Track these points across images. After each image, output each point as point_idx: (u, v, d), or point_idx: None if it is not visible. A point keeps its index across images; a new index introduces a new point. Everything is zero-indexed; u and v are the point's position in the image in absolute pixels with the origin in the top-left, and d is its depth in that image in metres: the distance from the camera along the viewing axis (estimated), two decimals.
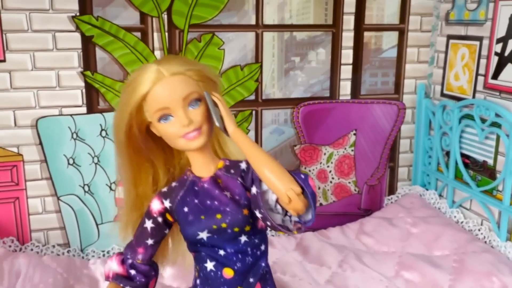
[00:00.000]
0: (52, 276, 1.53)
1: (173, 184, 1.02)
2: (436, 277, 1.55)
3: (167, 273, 1.51)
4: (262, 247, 1.01)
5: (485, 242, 1.72)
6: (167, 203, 1.00)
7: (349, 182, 2.06)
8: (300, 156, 1.98)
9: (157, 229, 1.01)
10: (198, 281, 1.02)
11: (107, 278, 1.04)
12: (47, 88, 1.66)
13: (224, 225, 0.95)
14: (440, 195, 1.99)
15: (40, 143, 1.69)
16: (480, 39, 1.73)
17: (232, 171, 0.99)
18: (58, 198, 1.74)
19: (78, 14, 1.63)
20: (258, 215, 0.91)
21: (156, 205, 1.00)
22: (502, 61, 1.63)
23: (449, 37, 1.89)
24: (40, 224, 1.75)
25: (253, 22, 1.80)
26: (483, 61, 1.73)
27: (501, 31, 1.63)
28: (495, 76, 1.67)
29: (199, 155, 0.98)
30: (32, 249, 1.73)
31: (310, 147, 1.98)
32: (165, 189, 1.02)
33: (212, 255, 0.98)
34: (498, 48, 1.65)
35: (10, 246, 1.70)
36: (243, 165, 0.99)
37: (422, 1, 1.94)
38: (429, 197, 2.00)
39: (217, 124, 0.93)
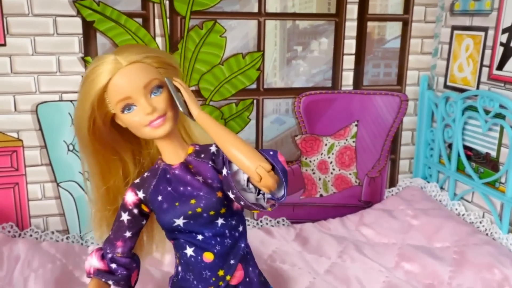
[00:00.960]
0: (51, 261, 1.53)
1: (145, 174, 1.02)
2: (436, 268, 1.54)
3: (167, 260, 1.51)
4: (240, 228, 1.01)
5: (487, 234, 1.71)
6: (140, 194, 1.00)
7: (350, 174, 2.05)
8: (301, 146, 1.97)
9: (133, 221, 1.01)
10: (179, 268, 1.03)
11: (88, 274, 1.04)
12: (47, 73, 1.65)
13: (199, 209, 0.95)
14: (442, 188, 1.97)
15: (40, 129, 1.68)
16: (485, 29, 1.72)
17: (202, 155, 0.99)
18: (58, 184, 1.74)
19: None
20: (231, 196, 0.92)
21: (130, 197, 1.00)
22: (508, 52, 1.62)
23: (454, 28, 1.87)
24: (39, 210, 1.74)
25: (255, 10, 1.79)
26: (488, 52, 1.71)
27: (507, 21, 1.61)
28: (500, 67, 1.65)
29: (167, 142, 0.98)
30: (31, 235, 1.72)
31: (311, 137, 1.97)
32: (137, 180, 1.01)
33: (191, 240, 0.98)
34: (503, 38, 1.63)
35: (9, 232, 1.70)
36: (213, 148, 0.99)
37: None
38: (430, 189, 1.99)
39: (180, 109, 0.92)
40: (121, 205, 1.02)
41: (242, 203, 0.91)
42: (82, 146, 1.00)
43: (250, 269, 1.04)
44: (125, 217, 1.01)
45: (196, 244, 0.98)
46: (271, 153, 0.90)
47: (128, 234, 1.02)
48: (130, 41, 1.68)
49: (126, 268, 1.04)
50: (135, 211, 1.00)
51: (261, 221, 1.94)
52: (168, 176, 0.98)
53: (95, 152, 1.00)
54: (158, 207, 0.97)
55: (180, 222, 0.96)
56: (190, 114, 0.92)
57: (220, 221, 0.98)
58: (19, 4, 1.57)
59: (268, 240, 1.74)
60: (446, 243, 1.68)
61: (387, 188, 2.10)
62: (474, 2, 1.76)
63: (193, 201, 0.95)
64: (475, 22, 1.77)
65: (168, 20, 1.70)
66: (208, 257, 0.98)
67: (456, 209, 1.86)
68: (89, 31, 1.65)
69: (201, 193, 0.95)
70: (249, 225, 1.92)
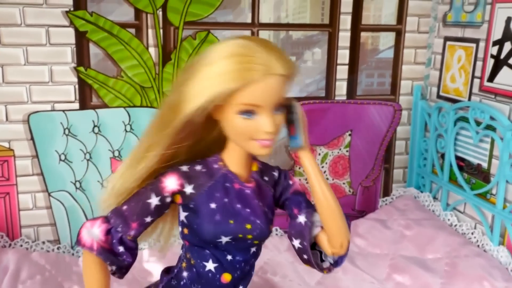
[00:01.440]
0: (40, 272, 1.52)
1: (197, 167, 0.89)
2: (427, 280, 1.54)
3: (158, 271, 1.50)
4: (258, 257, 0.97)
5: (478, 246, 1.71)
6: (188, 188, 0.87)
7: (344, 183, 2.05)
8: (295, 156, 1.97)
9: (161, 208, 0.88)
10: (185, 274, 0.93)
11: (90, 248, 0.86)
12: (39, 83, 1.65)
13: (249, 236, 0.88)
14: (435, 198, 1.98)
15: (32, 139, 1.68)
16: (476, 41, 1.72)
17: (266, 178, 0.92)
18: (49, 194, 1.73)
19: (72, 9, 1.62)
20: (297, 244, 0.87)
21: (171, 184, 0.87)
22: (498, 64, 1.62)
23: (446, 38, 1.88)
24: (30, 220, 1.74)
25: (249, 20, 1.79)
26: (479, 64, 1.71)
27: (497, 34, 1.62)
28: (491, 79, 1.66)
29: (243, 152, 0.88)
30: (21, 245, 1.72)
31: None
32: (185, 169, 0.88)
33: (219, 257, 0.90)
34: (494, 50, 1.64)
35: None
36: (276, 174, 0.93)
37: (419, 2, 1.92)
38: (424, 199, 1.99)
39: (300, 141, 0.86)
40: (154, 186, 0.87)
41: (305, 256, 0.87)
42: (165, 124, 0.85)
43: None
44: (154, 200, 0.87)
45: (222, 263, 0.90)
46: (349, 222, 0.87)
47: (148, 219, 0.88)
48: (123, 51, 1.68)
49: (131, 254, 0.90)
50: (168, 199, 0.88)
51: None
52: (227, 184, 0.89)
53: (176, 135, 0.86)
54: (207, 215, 0.87)
55: (224, 240, 0.88)
56: (297, 149, 0.86)
57: (254, 249, 0.92)
58: (12, 14, 1.57)
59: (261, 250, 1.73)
60: (438, 254, 1.68)
61: (381, 197, 2.10)
62: (466, 14, 1.77)
63: (248, 226, 0.88)
64: (467, 33, 1.77)
65: (161, 30, 1.71)
66: (226, 278, 0.91)
67: (449, 219, 1.86)
68: (81, 41, 1.65)
69: (258, 221, 0.88)
70: None
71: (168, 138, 0.86)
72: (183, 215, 0.90)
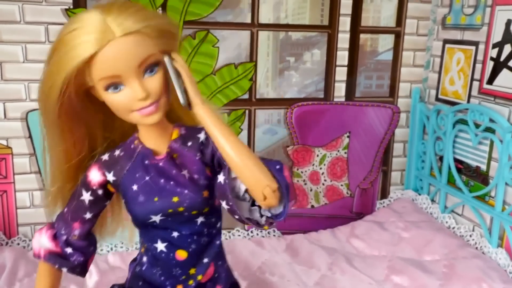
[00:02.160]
0: (37, 271, 1.51)
1: (116, 152, 0.87)
2: (425, 282, 1.54)
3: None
4: (218, 225, 0.91)
5: (476, 248, 1.71)
6: (110, 176, 0.86)
7: (342, 185, 2.05)
8: (293, 157, 1.97)
9: (96, 201, 0.87)
10: (145, 259, 0.91)
11: (37, 256, 0.89)
12: (38, 81, 1.62)
13: (181, 209, 0.83)
14: (433, 200, 1.98)
15: (30, 136, 1.67)
16: (476, 44, 1.73)
17: (189, 143, 0.85)
18: None
19: (71, 7, 1.61)
20: (225, 206, 0.81)
21: (95, 176, 0.86)
22: (498, 66, 1.63)
23: (445, 41, 1.89)
24: (27, 218, 1.73)
25: (248, 20, 1.79)
26: (478, 66, 1.72)
27: (497, 36, 1.62)
28: (490, 81, 1.66)
29: (152, 126, 0.83)
30: (18, 243, 1.70)
31: (303, 148, 1.97)
32: (106, 157, 0.87)
33: (165, 236, 0.86)
34: (494, 53, 1.64)
35: None
36: (202, 136, 0.85)
37: (419, 5, 1.93)
38: (421, 201, 1.99)
39: (181, 100, 0.77)
40: (82, 183, 0.86)
41: (236, 216, 0.80)
42: (47, 121, 0.83)
43: (219, 263, 0.94)
44: (86, 196, 0.86)
45: (170, 241, 0.86)
46: (277, 167, 0.79)
47: (88, 215, 0.87)
48: None
49: (82, 252, 0.90)
50: (100, 192, 0.86)
51: (251, 232, 1.93)
52: (146, 162, 0.84)
53: (62, 129, 0.83)
54: (131, 198, 0.84)
55: (157, 218, 0.84)
56: (189, 105, 0.77)
57: (200, 219, 0.87)
58: (11, 11, 1.57)
59: (258, 251, 1.73)
60: (436, 256, 1.67)
61: (378, 200, 2.10)
62: (465, 17, 1.78)
63: (175, 199, 0.83)
64: (466, 36, 1.78)
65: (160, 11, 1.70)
66: (181, 255, 0.87)
67: (447, 222, 1.86)
68: None
69: (186, 191, 0.83)
70: (239, 235, 1.91)
71: (54, 129, 0.84)
72: (123, 202, 0.88)
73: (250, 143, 1.90)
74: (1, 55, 1.59)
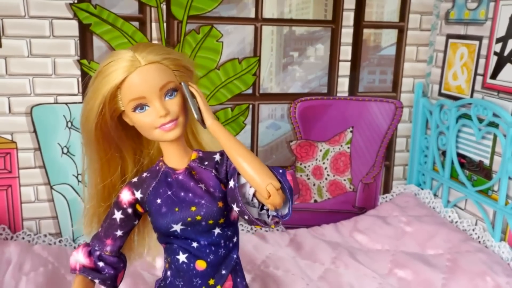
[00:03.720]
0: (43, 265, 1.52)
1: (144, 174, 1.00)
2: (429, 275, 1.54)
3: (159, 264, 1.50)
4: (234, 239, 1.01)
5: (479, 242, 1.72)
6: (138, 194, 0.98)
7: (344, 180, 2.05)
8: (296, 152, 1.97)
9: (126, 220, 0.99)
10: (169, 273, 1.01)
11: (73, 270, 1.01)
12: (42, 76, 1.64)
13: (198, 217, 0.94)
14: (435, 195, 1.98)
15: (35, 131, 1.67)
16: (479, 38, 1.73)
17: (206, 163, 0.98)
18: (51, 187, 1.73)
19: (76, 1, 1.61)
20: (236, 209, 0.91)
21: (126, 196, 0.98)
22: (501, 61, 1.63)
23: (449, 36, 1.89)
24: (32, 213, 1.73)
25: (252, 15, 1.79)
26: (482, 61, 1.72)
27: (501, 31, 1.63)
28: (493, 76, 1.66)
29: (173, 146, 0.97)
30: (23, 238, 1.71)
31: (306, 143, 1.97)
32: (135, 180, 1.00)
33: (185, 247, 0.97)
34: (497, 47, 1.65)
35: (1, 234, 1.69)
36: (217, 157, 0.99)
37: (422, 0, 1.93)
38: (424, 196, 2.00)
39: (195, 116, 0.91)
40: (114, 203, 0.99)
41: (246, 217, 0.90)
42: (86, 140, 0.98)
43: (239, 280, 1.03)
44: (118, 215, 0.98)
45: (190, 251, 0.97)
46: (280, 171, 0.90)
47: (119, 232, 1.00)
48: (127, 44, 1.68)
49: (113, 267, 1.02)
50: (129, 210, 0.99)
51: (255, 226, 1.93)
52: (169, 179, 0.97)
53: (99, 147, 0.98)
54: (156, 210, 0.96)
55: (177, 227, 0.95)
56: (203, 122, 0.92)
57: (217, 230, 0.97)
58: (15, 5, 1.57)
59: (262, 245, 1.74)
60: (439, 250, 1.68)
61: (381, 195, 2.11)
62: (469, 11, 1.78)
63: (193, 208, 0.94)
64: (469, 31, 1.78)
65: (164, 24, 1.71)
66: (200, 265, 0.97)
67: (449, 216, 1.87)
68: (85, 34, 1.65)
69: (203, 201, 0.95)
70: (243, 230, 1.92)
71: (91, 149, 0.98)
72: (150, 221, 0.99)
73: (254, 137, 1.91)
74: (6, 49, 1.59)
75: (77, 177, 1.74)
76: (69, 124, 1.69)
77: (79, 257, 1.01)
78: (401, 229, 1.82)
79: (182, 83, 0.93)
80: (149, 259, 1.25)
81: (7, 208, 1.70)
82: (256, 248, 1.71)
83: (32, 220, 1.74)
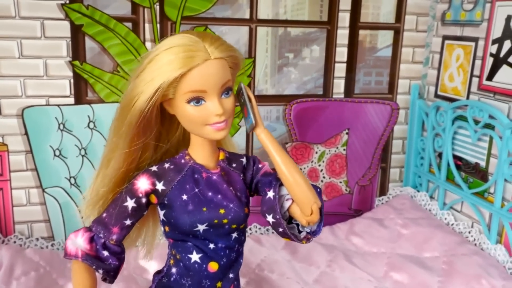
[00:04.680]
0: (35, 269, 1.50)
1: (166, 165, 0.94)
2: (425, 278, 1.53)
3: (152, 267, 1.48)
4: (244, 244, 1.00)
5: (475, 244, 1.71)
6: (159, 186, 0.92)
7: (340, 182, 2.04)
8: (292, 154, 1.96)
9: (138, 209, 0.93)
10: (174, 270, 0.96)
11: (75, 256, 0.91)
12: (34, 77, 1.62)
13: (225, 220, 0.92)
14: (431, 197, 1.97)
15: (26, 133, 1.65)
16: (475, 40, 1.72)
17: (234, 165, 0.96)
18: (43, 190, 1.71)
19: (67, 2, 1.59)
20: (271, 220, 0.90)
21: (144, 185, 0.92)
22: (498, 62, 1.62)
23: (445, 37, 1.88)
24: (24, 216, 1.71)
25: (247, 16, 1.78)
26: (478, 62, 1.71)
27: (497, 32, 1.62)
28: (489, 78, 1.65)
29: (208, 143, 0.92)
30: (15, 242, 1.69)
31: (302, 145, 1.96)
32: (155, 169, 0.93)
33: (201, 247, 0.93)
34: (493, 49, 1.64)
35: None
36: (244, 161, 0.97)
37: (418, 1, 1.92)
38: (420, 198, 1.98)
39: (252, 120, 0.88)
40: (128, 190, 0.92)
41: (281, 229, 0.89)
42: (126, 124, 0.89)
43: (235, 282, 1.01)
44: (130, 203, 0.91)
45: (206, 252, 0.93)
46: (318, 190, 0.91)
47: (128, 222, 0.92)
48: (120, 45, 1.66)
49: (117, 258, 0.94)
50: (143, 200, 0.92)
51: (250, 229, 1.92)
52: (196, 176, 0.92)
53: (134, 136, 0.91)
54: (180, 206, 0.91)
55: (201, 228, 0.91)
56: (253, 129, 0.89)
57: (235, 234, 0.95)
58: (6, 6, 1.55)
59: (257, 248, 1.72)
60: (435, 253, 1.67)
61: (377, 197, 2.09)
62: (465, 13, 1.77)
63: (222, 211, 0.91)
64: (465, 32, 1.77)
65: (158, 25, 1.69)
66: (213, 267, 0.94)
67: (446, 218, 1.86)
68: (77, 35, 1.63)
69: (231, 205, 0.92)
70: None
71: (127, 134, 0.91)
72: (161, 213, 0.94)
73: (249, 139, 1.89)
74: None
75: (69, 180, 1.72)
76: (61, 126, 1.67)
77: (80, 242, 0.92)
78: (397, 231, 1.81)
79: (241, 84, 0.91)
80: (142, 253, 1.15)
81: None
82: (251, 251, 1.69)
83: (23, 224, 1.72)
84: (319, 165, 1.99)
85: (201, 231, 0.91)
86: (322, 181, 2.01)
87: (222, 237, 0.94)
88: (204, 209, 0.91)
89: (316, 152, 1.98)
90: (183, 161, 0.94)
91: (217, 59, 0.85)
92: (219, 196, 0.92)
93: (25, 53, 1.60)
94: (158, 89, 0.84)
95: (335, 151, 2.00)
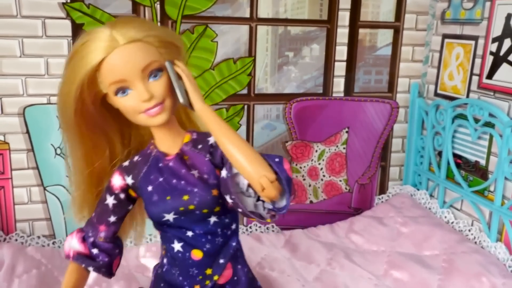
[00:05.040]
0: (36, 267, 1.51)
1: (135, 158, 0.95)
2: (425, 276, 1.54)
3: (152, 264, 1.49)
4: (233, 226, 0.95)
5: (475, 242, 1.71)
6: (129, 180, 0.93)
7: (340, 180, 2.04)
8: (292, 152, 1.96)
9: (119, 205, 0.95)
10: (165, 261, 0.97)
11: (67, 257, 0.97)
12: (35, 76, 1.63)
13: (191, 206, 0.88)
14: (431, 195, 1.98)
15: (27, 132, 1.65)
16: (475, 38, 1.72)
17: (199, 146, 0.91)
18: (45, 189, 1.71)
19: (69, 1, 1.60)
20: (229, 200, 0.86)
21: (117, 181, 0.94)
22: (497, 61, 1.62)
23: (444, 36, 1.88)
24: (25, 214, 1.71)
25: (247, 15, 1.78)
26: (478, 61, 1.72)
27: (497, 31, 1.62)
28: (489, 76, 1.66)
29: (163, 129, 0.90)
30: (16, 240, 1.69)
31: (302, 143, 1.96)
32: (126, 164, 0.95)
33: (180, 236, 0.92)
34: (493, 47, 1.64)
35: None
36: (212, 140, 0.91)
37: (418, 0, 1.92)
38: (420, 197, 1.99)
39: (180, 99, 0.84)
40: (106, 188, 0.95)
41: (240, 210, 0.85)
42: (66, 128, 0.91)
43: (239, 266, 0.98)
44: (110, 201, 0.94)
45: (185, 240, 0.92)
46: (277, 159, 0.82)
47: (112, 218, 0.95)
48: None
49: (108, 254, 0.97)
50: (122, 195, 0.94)
51: (250, 227, 1.92)
52: (160, 165, 0.91)
53: (81, 134, 0.91)
54: (147, 198, 0.91)
55: (170, 217, 0.89)
56: (191, 105, 0.84)
57: (213, 219, 0.91)
58: (7, 5, 1.55)
59: (257, 246, 1.72)
60: (435, 251, 1.68)
61: (377, 195, 2.10)
62: (464, 11, 1.77)
63: (186, 197, 0.88)
64: (465, 31, 1.78)
65: (159, 24, 1.69)
66: (196, 254, 0.92)
67: (445, 217, 1.86)
68: (78, 34, 1.61)
69: (195, 190, 0.88)
70: None
71: (71, 135, 0.91)
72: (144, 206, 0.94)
73: (249, 138, 1.90)
74: None
75: (68, 177, 1.72)
76: None
77: (73, 243, 0.96)
78: (397, 230, 1.81)
79: (166, 63, 0.86)
80: (133, 243, 1.20)
81: (0, 209, 1.69)
82: (252, 249, 1.70)
83: (25, 222, 1.72)
84: (319, 164, 2.00)
85: (171, 220, 0.90)
86: (322, 179, 2.01)
87: (198, 223, 0.90)
88: (168, 197, 0.89)
89: (316, 151, 1.98)
90: (148, 151, 0.94)
91: (128, 44, 0.82)
92: (182, 182, 0.89)
93: (26, 52, 1.60)
94: (80, 86, 0.83)
95: (335, 149, 2.00)
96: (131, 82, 0.84)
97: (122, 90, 0.85)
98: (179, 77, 0.85)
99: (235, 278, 0.97)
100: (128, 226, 1.08)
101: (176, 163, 0.90)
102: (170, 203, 0.89)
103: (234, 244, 0.95)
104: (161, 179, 0.90)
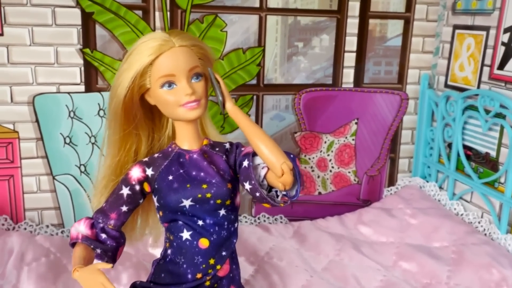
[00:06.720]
0: (45, 255, 1.51)
1: (156, 155, 1.05)
2: (434, 267, 1.53)
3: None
4: (236, 225, 1.07)
5: (485, 234, 1.70)
6: (149, 171, 1.02)
7: (349, 172, 2.04)
8: (301, 143, 1.95)
9: (132, 196, 1.03)
10: (169, 251, 1.05)
11: (74, 239, 1.00)
12: (45, 65, 1.63)
13: (208, 195, 1.00)
14: (441, 187, 1.96)
15: (37, 121, 1.66)
16: (487, 29, 1.71)
17: (217, 149, 1.06)
18: (54, 178, 1.72)
19: None
20: (248, 187, 0.97)
21: (136, 173, 1.03)
22: (509, 51, 1.61)
23: (455, 27, 1.86)
24: (34, 203, 1.72)
25: (257, 4, 1.77)
26: (489, 51, 1.70)
27: (509, 21, 1.60)
28: (501, 67, 1.64)
29: (189, 127, 1.03)
30: (25, 228, 1.70)
31: (311, 134, 1.96)
32: (146, 159, 1.05)
33: (191, 224, 1.01)
34: (505, 38, 1.62)
35: (3, 225, 1.68)
36: (227, 145, 1.07)
37: None
38: (429, 189, 1.98)
39: (219, 98, 1.00)
40: (123, 179, 1.03)
41: (258, 194, 0.96)
42: (113, 111, 1.03)
43: (234, 266, 1.08)
44: (125, 191, 1.02)
45: (195, 229, 1.01)
46: (292, 156, 0.97)
47: (124, 208, 1.03)
48: (130, 33, 1.66)
49: (116, 241, 1.04)
50: (137, 187, 1.02)
51: (258, 218, 1.92)
52: (181, 160, 1.03)
53: (121, 120, 1.03)
54: (167, 186, 1.00)
55: (187, 203, 0.99)
56: (223, 105, 1.00)
57: (222, 211, 1.03)
58: None
59: (265, 237, 1.72)
60: (444, 243, 1.67)
61: (386, 187, 2.09)
62: (476, 1, 1.75)
63: (204, 186, 1.00)
64: (477, 21, 1.76)
65: (168, 13, 1.69)
66: (204, 243, 1.01)
67: (455, 208, 1.85)
68: (88, 23, 1.63)
69: (214, 181, 1.00)
70: (246, 221, 1.91)
71: (116, 121, 1.03)
72: (155, 200, 1.03)
73: None
74: (8, 38, 1.57)
75: (79, 168, 1.73)
76: (72, 114, 1.68)
77: (81, 228, 1.02)
78: (406, 221, 1.80)
79: (209, 69, 1.02)
80: (150, 241, 1.29)
81: (9, 198, 1.70)
82: (260, 240, 1.70)
83: (34, 211, 1.73)
84: (328, 155, 1.99)
85: (187, 206, 1.00)
86: (331, 171, 2.01)
87: (210, 213, 1.01)
88: (188, 185, 1.00)
89: (325, 142, 1.98)
90: (170, 149, 1.05)
91: (181, 47, 0.98)
92: (202, 173, 1.02)
93: (36, 41, 1.60)
94: (135, 75, 0.97)
95: (344, 141, 2.00)
96: (178, 78, 0.97)
97: (169, 83, 0.98)
98: (217, 82, 1.01)
99: (231, 275, 1.07)
100: (138, 227, 1.17)
101: (199, 156, 1.04)
102: (189, 190, 1.00)
103: (234, 241, 1.06)
104: (181, 171, 1.02)
